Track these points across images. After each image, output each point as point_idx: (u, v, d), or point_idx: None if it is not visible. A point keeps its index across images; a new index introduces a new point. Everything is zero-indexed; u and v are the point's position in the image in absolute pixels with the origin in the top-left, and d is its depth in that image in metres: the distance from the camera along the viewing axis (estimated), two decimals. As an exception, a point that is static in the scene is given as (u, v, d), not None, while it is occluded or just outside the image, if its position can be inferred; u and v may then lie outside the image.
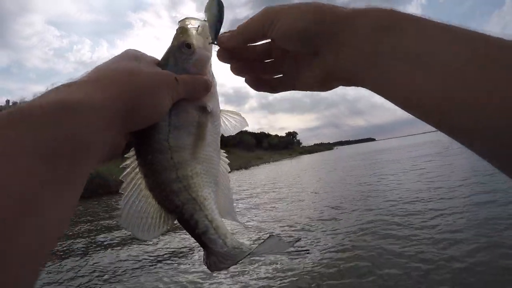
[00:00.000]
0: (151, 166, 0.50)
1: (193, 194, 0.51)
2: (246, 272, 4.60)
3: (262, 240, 0.48)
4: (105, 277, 5.18)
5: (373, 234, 5.65)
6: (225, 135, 0.61)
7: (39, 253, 0.29)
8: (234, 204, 0.62)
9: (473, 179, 9.33)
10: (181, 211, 0.51)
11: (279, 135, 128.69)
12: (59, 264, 6.02)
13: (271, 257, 4.84)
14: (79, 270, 5.60)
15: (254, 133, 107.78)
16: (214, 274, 4.50)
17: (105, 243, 7.43)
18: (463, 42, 0.34)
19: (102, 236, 8.13)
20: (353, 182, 12.84)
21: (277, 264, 4.74)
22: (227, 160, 0.61)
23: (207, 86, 0.52)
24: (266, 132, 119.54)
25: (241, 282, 4.35)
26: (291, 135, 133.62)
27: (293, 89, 0.55)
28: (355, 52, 0.41)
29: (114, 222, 9.82)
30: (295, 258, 4.66)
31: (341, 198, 9.34)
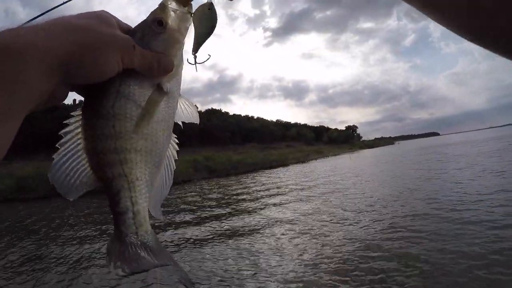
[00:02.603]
0: (92, 131, 0.48)
1: (126, 170, 0.48)
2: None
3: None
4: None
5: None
6: (175, 120, 0.57)
7: None
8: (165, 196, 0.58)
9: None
10: (110, 184, 0.49)
11: (339, 128, 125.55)
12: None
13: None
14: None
15: (314, 126, 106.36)
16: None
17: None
18: None
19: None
20: (415, 179, 11.81)
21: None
22: (176, 146, 0.58)
23: (167, 67, 0.49)
24: (326, 126, 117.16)
25: None
26: (351, 129, 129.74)
27: None
28: None
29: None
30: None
31: (405, 198, 8.37)
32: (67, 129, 0.47)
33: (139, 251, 0.48)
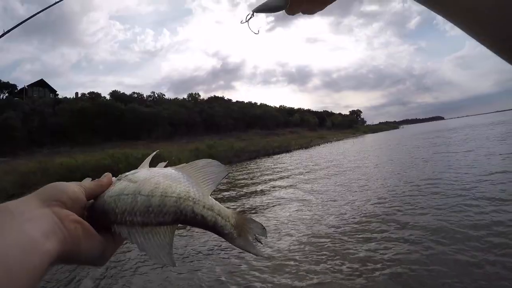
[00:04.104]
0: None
1: (184, 206, 0.49)
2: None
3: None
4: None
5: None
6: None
7: None
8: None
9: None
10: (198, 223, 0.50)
11: (343, 113, 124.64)
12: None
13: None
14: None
15: (317, 112, 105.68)
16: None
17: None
18: None
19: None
20: (415, 164, 11.82)
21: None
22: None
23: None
24: (330, 111, 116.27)
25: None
26: (355, 113, 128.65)
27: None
28: None
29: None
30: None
31: (402, 184, 8.41)
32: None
33: (243, 239, 0.51)
